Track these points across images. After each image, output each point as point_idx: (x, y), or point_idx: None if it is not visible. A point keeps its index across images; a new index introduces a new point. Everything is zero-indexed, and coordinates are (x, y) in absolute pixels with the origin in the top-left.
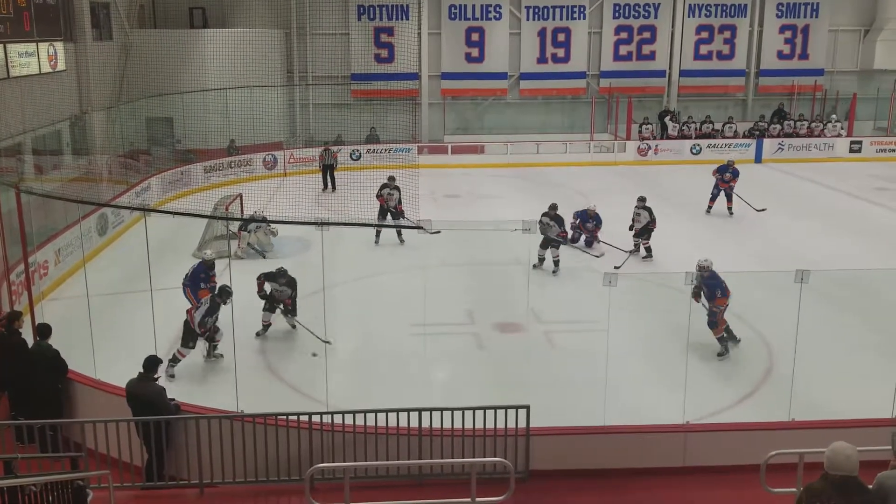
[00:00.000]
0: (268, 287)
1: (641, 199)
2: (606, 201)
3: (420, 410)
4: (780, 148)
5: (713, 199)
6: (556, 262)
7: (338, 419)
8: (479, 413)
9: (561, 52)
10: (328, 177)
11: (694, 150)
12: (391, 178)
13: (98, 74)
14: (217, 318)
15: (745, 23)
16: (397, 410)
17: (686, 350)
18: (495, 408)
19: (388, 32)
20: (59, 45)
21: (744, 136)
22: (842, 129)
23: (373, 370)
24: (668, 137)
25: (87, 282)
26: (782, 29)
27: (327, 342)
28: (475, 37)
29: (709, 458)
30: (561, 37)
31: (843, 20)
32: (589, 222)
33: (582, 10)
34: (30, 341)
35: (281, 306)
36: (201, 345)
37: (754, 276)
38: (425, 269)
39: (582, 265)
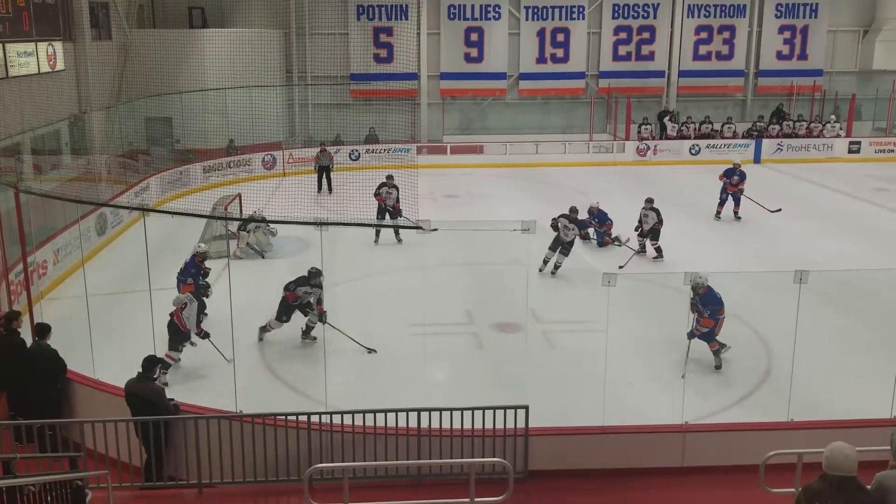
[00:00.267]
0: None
1: (649, 201)
2: (606, 201)
3: (419, 410)
4: (778, 148)
5: (722, 203)
6: (557, 268)
7: (336, 419)
8: (478, 413)
9: (560, 53)
10: (324, 179)
11: (693, 151)
12: (389, 177)
13: (97, 74)
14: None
15: (745, 23)
16: (396, 410)
17: (686, 350)
18: (494, 408)
19: (388, 32)
20: (58, 45)
21: (743, 137)
22: (840, 129)
23: (372, 370)
24: (667, 138)
25: (86, 282)
26: (781, 29)
27: (372, 350)
28: (474, 37)
29: (708, 458)
30: (560, 37)
31: (842, 21)
32: (592, 219)
33: (581, 10)
34: (29, 341)
35: (311, 315)
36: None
37: (753, 277)
38: (424, 269)
39: (584, 265)
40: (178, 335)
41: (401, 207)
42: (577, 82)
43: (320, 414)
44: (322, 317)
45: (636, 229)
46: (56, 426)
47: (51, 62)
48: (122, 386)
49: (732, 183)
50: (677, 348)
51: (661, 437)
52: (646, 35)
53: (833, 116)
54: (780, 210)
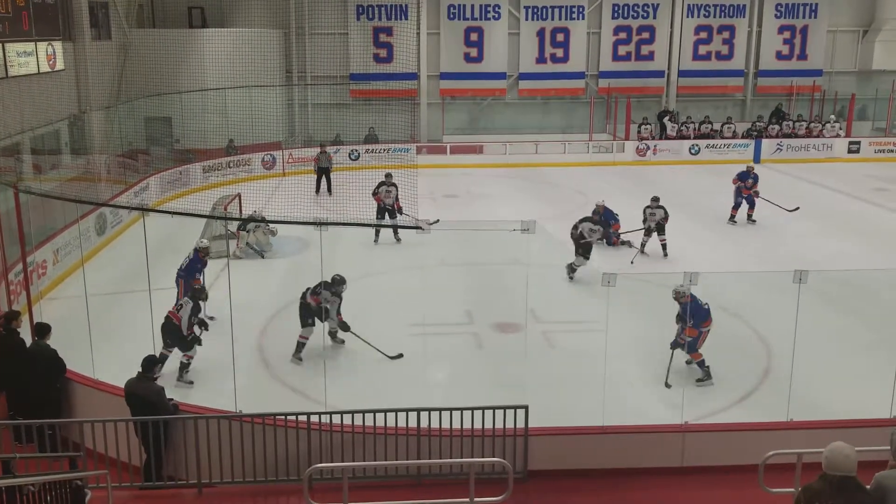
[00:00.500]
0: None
1: (655, 199)
2: (606, 201)
3: (419, 410)
4: (778, 148)
5: (737, 207)
6: (574, 271)
7: (336, 419)
8: (478, 413)
9: (560, 53)
10: (324, 180)
11: (693, 151)
12: (388, 175)
13: (97, 74)
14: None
15: (744, 23)
16: (396, 410)
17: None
18: (494, 408)
19: (387, 32)
20: (58, 45)
21: (742, 137)
22: (840, 129)
23: (371, 370)
24: (667, 137)
25: (85, 281)
26: (781, 29)
27: (398, 356)
28: (474, 37)
29: (707, 458)
30: (560, 37)
31: (842, 21)
32: (600, 218)
33: (581, 10)
34: (28, 341)
35: (331, 323)
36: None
37: (753, 276)
38: (424, 269)
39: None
40: (180, 336)
41: (401, 205)
42: (577, 82)
43: (320, 414)
44: (345, 326)
45: (645, 230)
46: (56, 426)
47: (50, 62)
48: (122, 386)
49: (747, 186)
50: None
51: (661, 436)
52: (645, 35)
53: (833, 116)
54: (797, 209)
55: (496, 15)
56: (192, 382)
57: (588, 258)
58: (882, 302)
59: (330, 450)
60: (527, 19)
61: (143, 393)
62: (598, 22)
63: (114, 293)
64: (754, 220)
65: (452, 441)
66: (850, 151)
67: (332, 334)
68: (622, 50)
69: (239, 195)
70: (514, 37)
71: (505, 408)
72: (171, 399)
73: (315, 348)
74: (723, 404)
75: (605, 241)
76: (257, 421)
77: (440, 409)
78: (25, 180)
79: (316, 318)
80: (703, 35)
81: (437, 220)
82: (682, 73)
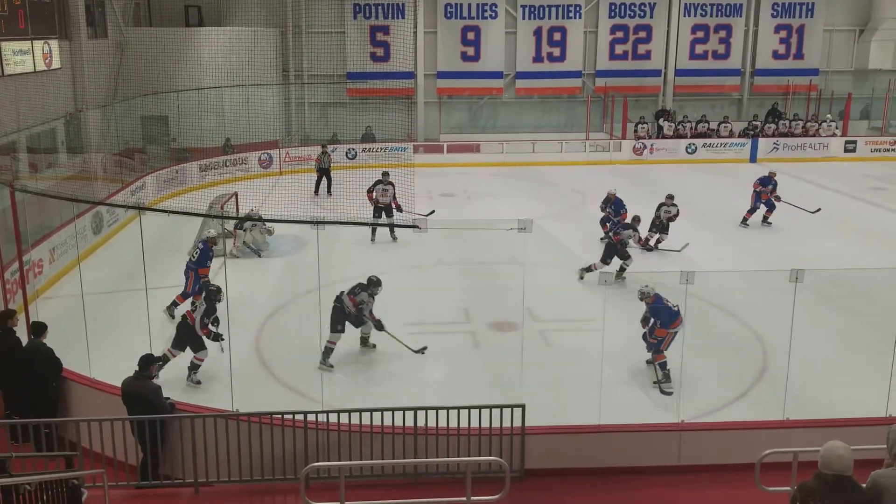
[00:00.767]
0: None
1: (670, 197)
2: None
3: (415, 409)
4: (774, 147)
5: (752, 211)
6: (624, 270)
7: (333, 418)
8: (475, 412)
9: (557, 52)
10: (324, 180)
11: (689, 150)
12: (385, 174)
13: (93, 72)
14: (216, 319)
15: (741, 22)
16: (392, 409)
17: (681, 349)
18: (490, 407)
19: (384, 31)
20: (54, 43)
21: (739, 136)
22: (836, 128)
23: (368, 369)
24: (664, 137)
25: (81, 280)
26: (777, 28)
27: (422, 350)
28: (471, 36)
29: (703, 457)
30: (557, 36)
31: (838, 20)
32: (608, 207)
33: (578, 9)
34: (24, 340)
35: (364, 328)
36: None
37: (750, 276)
38: (421, 268)
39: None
40: (195, 337)
41: (399, 203)
42: (574, 81)
43: (317, 413)
44: (380, 326)
45: (662, 228)
46: (52, 425)
47: (46, 60)
48: (119, 385)
49: (767, 192)
50: (674, 347)
51: (657, 436)
52: (642, 34)
53: (829, 116)
54: (819, 210)
55: (493, 14)
56: (199, 382)
57: (624, 259)
58: (879, 301)
59: (327, 449)
60: (524, 18)
61: (139, 392)
62: (595, 21)
63: (110, 292)
64: (770, 223)
65: (449, 440)
66: (846, 151)
67: (365, 339)
68: (619, 49)
69: (236, 194)
70: (511, 36)
71: (502, 407)
72: (168, 398)
73: (308, 347)
74: (719, 403)
75: (611, 231)
76: (254, 420)
77: (437, 408)
78: (21, 179)
79: (352, 324)
80: (700, 34)
81: (433, 212)
82: (678, 73)
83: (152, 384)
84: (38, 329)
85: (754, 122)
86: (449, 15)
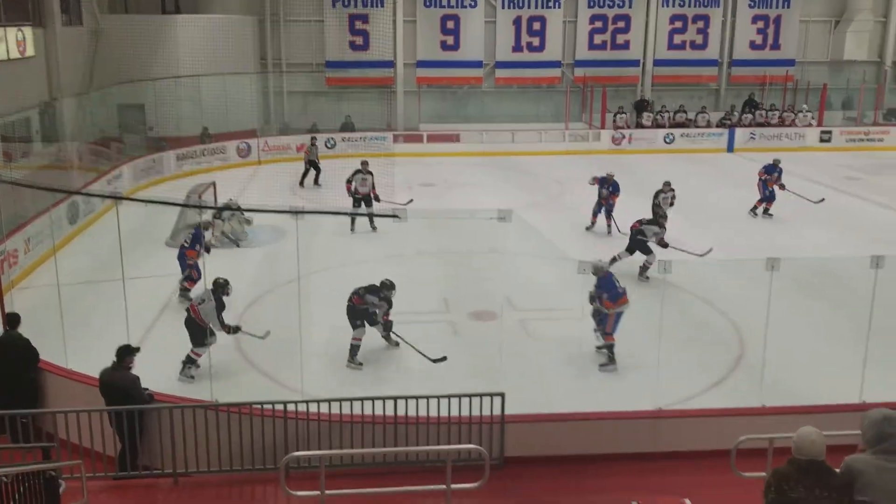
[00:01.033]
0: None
1: (667, 184)
2: (582, 190)
3: (395, 398)
4: (751, 137)
5: (763, 200)
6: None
7: (313, 408)
8: (455, 401)
9: (536, 41)
10: (312, 170)
11: (667, 139)
12: (364, 164)
13: (68, 60)
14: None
15: (718, 13)
16: (372, 399)
17: (659, 337)
18: (470, 395)
19: (363, 20)
20: (28, 31)
21: (717, 126)
22: (812, 118)
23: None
24: (642, 126)
25: (57, 270)
26: (755, 19)
27: (442, 359)
28: (450, 25)
29: (681, 443)
30: (536, 25)
31: (814, 11)
32: (605, 188)
33: None
34: None
35: (380, 326)
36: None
37: (727, 264)
38: (401, 258)
39: (559, 254)
40: (198, 331)
41: (377, 193)
42: (553, 71)
43: (296, 402)
44: (388, 326)
45: (662, 216)
46: (29, 416)
47: (20, 48)
48: (96, 375)
49: (773, 179)
50: (652, 335)
51: (635, 423)
52: (621, 24)
53: (805, 106)
54: (823, 200)
55: (472, 3)
56: (193, 377)
57: (632, 254)
58: (854, 289)
59: (307, 438)
60: (503, 7)
61: (117, 383)
62: (574, 11)
63: (87, 282)
64: (771, 214)
65: (429, 428)
66: (821, 141)
67: (386, 337)
68: (598, 39)
69: (214, 184)
70: (491, 25)
71: (481, 395)
72: (147, 388)
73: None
74: (696, 390)
75: (605, 209)
76: (233, 410)
77: (417, 397)
78: None
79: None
80: (678, 24)
81: (411, 200)
82: (657, 63)
83: (130, 374)
84: (12, 320)
85: (731, 113)
86: (428, 4)
